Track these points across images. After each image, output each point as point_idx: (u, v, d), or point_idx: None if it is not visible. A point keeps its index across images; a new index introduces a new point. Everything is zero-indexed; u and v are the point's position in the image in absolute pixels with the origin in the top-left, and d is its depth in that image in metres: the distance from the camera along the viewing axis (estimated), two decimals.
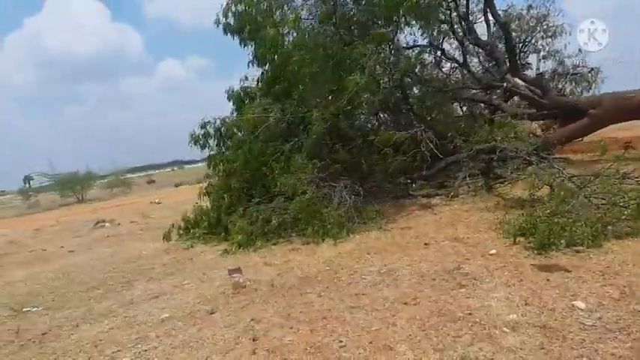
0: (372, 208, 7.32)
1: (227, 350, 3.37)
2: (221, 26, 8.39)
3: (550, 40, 11.77)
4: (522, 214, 5.36)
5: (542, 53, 12.36)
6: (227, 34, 8.41)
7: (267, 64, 8.31)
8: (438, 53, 9.28)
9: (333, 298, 4.09)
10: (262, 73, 8.50)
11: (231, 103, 10.49)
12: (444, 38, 9.49)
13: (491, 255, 4.55)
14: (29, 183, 55.61)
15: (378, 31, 7.06)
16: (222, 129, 7.95)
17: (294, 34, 8.05)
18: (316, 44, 7.43)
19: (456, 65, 10.08)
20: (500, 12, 10.03)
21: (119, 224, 12.17)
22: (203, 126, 8.17)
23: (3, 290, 6.58)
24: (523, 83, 10.76)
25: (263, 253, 6.38)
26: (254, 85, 9.22)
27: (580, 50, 11.49)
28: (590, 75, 11.99)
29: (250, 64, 8.50)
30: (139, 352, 3.58)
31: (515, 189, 7.43)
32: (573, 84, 12.29)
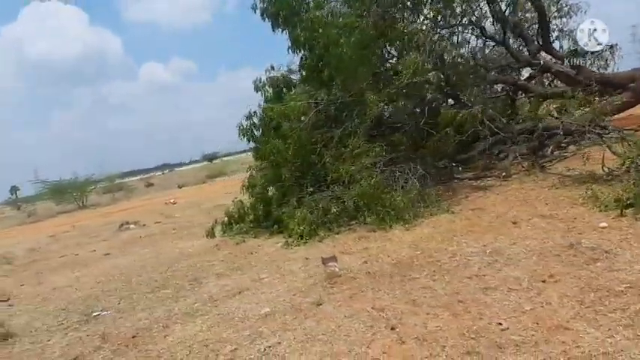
0: (430, 191, 7.03)
1: (368, 341, 3.08)
2: (258, 11, 8.02)
3: (564, 19, 11.50)
4: (611, 186, 5.17)
5: (555, 33, 12.12)
6: (265, 19, 8.07)
7: (308, 49, 7.95)
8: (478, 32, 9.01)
9: (451, 281, 3.82)
10: (302, 58, 8.15)
11: (259, 95, 10.22)
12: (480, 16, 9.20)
13: (603, 228, 4.31)
14: (16, 193, 54.36)
15: (436, 6, 6.77)
16: (268, 119, 7.57)
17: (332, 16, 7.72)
18: (360, 25, 7.10)
19: (493, 44, 9.83)
20: None
21: (144, 225, 11.74)
22: (249, 117, 7.81)
23: (55, 296, 6.21)
24: (554, 60, 10.57)
25: (330, 242, 6.09)
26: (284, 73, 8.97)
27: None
28: (608, 53, 11.81)
29: (289, 51, 8.15)
30: (264, 349, 3.28)
31: (572, 164, 7.27)
32: (589, 62, 12.10)
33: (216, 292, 4.91)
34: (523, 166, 7.96)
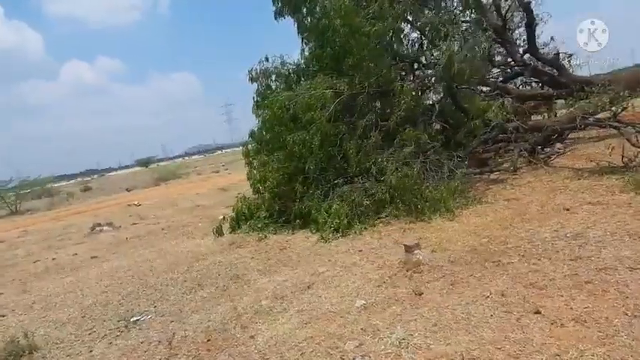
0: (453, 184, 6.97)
1: (518, 326, 2.86)
2: None
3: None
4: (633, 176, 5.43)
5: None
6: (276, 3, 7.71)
7: (324, 38, 7.65)
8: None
9: (558, 264, 3.71)
10: (320, 46, 7.81)
11: (255, 85, 9.77)
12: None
13: None
14: None
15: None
16: (282, 109, 7.12)
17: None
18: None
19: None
20: None
21: (120, 227, 10.70)
22: (259, 107, 7.37)
23: (60, 304, 5.41)
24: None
25: (374, 235, 5.82)
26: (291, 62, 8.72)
27: (552, 38, 11.92)
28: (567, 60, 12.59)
29: (304, 41, 7.80)
30: (397, 342, 2.95)
31: (571, 160, 7.59)
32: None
33: (278, 288, 4.46)
34: (532, 160, 8.18)
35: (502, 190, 6.80)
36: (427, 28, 7.15)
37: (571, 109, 10.49)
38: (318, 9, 7.54)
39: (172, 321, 4.14)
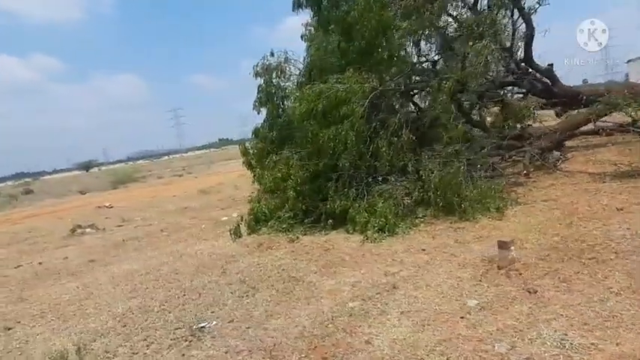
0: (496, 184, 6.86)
1: None
2: None
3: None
4: None
5: None
6: None
7: (347, 31, 7.39)
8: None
9: None
10: (347, 40, 7.52)
11: (260, 81, 9.40)
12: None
13: None
14: None
15: None
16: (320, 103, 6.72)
17: None
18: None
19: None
20: None
21: (104, 229, 9.73)
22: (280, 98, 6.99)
23: (79, 313, 4.68)
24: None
25: (421, 235, 5.57)
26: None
27: None
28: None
29: (328, 34, 7.50)
30: (557, 343, 2.71)
31: (579, 165, 7.83)
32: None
33: (356, 290, 4.09)
34: (544, 164, 8.33)
35: (532, 192, 6.80)
36: (463, 26, 7.06)
37: (565, 117, 10.93)
38: (344, 1, 7.25)
39: (249, 327, 3.64)
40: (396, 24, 6.79)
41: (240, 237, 6.92)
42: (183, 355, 3.34)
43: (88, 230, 9.28)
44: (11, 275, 6.71)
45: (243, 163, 11.34)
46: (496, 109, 10.36)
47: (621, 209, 5.24)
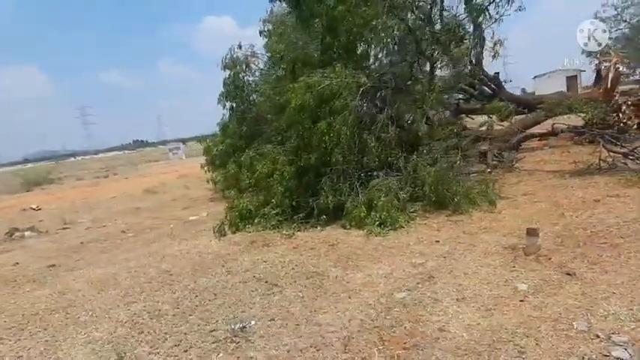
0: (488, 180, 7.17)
1: None
2: None
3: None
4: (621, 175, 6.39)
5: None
6: None
7: (332, 26, 7.36)
8: None
9: None
10: (332, 35, 7.45)
11: (227, 73, 9.08)
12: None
13: None
14: None
15: None
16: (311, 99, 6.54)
17: None
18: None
19: None
20: None
21: (46, 232, 8.61)
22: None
23: (80, 320, 4.05)
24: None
25: (425, 228, 5.67)
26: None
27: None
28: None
29: (310, 27, 7.39)
30: (632, 315, 2.87)
31: (531, 164, 8.55)
32: None
33: (392, 282, 4.03)
34: (503, 163, 8.94)
35: (505, 188, 7.21)
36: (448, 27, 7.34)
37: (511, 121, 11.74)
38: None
39: (297, 324, 3.40)
40: (382, 21, 6.84)
41: (224, 235, 6.50)
42: (238, 357, 3.02)
43: (27, 233, 8.14)
44: None
45: (206, 161, 10.81)
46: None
47: (598, 201, 5.75)
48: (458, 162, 6.58)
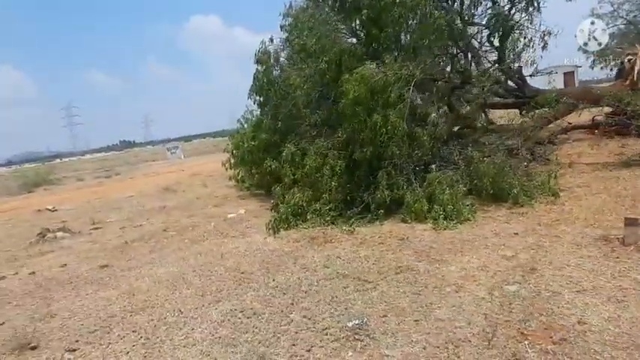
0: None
1: None
2: None
3: None
4: None
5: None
6: None
7: (380, 17, 7.22)
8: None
9: None
10: (377, 26, 7.31)
11: (259, 66, 8.90)
12: None
13: None
14: None
15: None
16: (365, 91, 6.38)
17: None
18: None
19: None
20: None
21: (79, 232, 8.34)
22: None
23: (181, 318, 3.87)
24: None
25: (492, 221, 5.57)
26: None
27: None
28: None
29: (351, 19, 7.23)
30: None
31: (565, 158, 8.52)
32: None
33: (491, 275, 3.92)
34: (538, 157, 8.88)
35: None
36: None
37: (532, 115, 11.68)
38: None
39: (416, 320, 3.27)
40: (435, 14, 6.72)
41: (277, 232, 6.34)
42: (371, 356, 2.88)
43: (60, 234, 7.86)
44: (4, 288, 5.41)
45: (232, 158, 10.60)
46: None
47: None
48: (507, 155, 6.45)
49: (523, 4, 7.42)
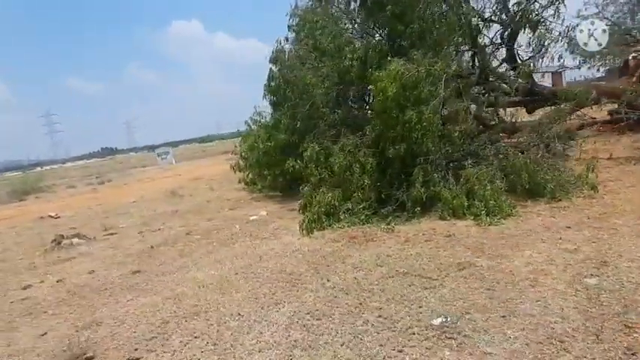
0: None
1: None
2: None
3: None
4: None
5: None
6: None
7: (405, 14, 7.15)
8: None
9: None
10: (403, 23, 7.23)
11: (273, 66, 8.79)
12: None
13: None
14: None
15: None
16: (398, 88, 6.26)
17: None
18: None
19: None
20: None
21: (94, 238, 8.02)
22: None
23: (245, 323, 3.68)
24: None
25: (537, 216, 5.51)
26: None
27: None
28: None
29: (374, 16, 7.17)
30: None
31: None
32: None
33: (561, 268, 3.83)
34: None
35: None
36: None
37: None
38: None
39: (503, 316, 3.15)
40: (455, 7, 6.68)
41: (311, 233, 6.18)
42: (471, 354, 2.75)
43: (76, 240, 7.54)
44: (35, 297, 5.13)
45: (242, 160, 10.47)
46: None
47: None
48: (541, 151, 6.42)
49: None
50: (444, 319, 3.18)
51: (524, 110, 11.43)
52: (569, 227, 4.82)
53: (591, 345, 2.64)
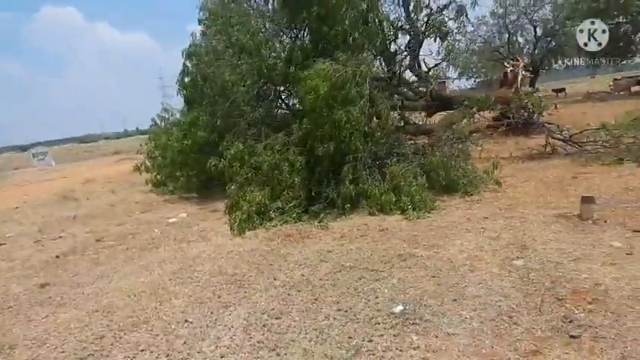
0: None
1: None
2: None
3: None
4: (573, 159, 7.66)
5: None
6: None
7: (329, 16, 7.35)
8: None
9: None
10: (327, 25, 7.38)
11: (188, 61, 8.51)
12: None
13: None
14: None
15: None
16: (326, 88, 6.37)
17: None
18: None
19: None
20: None
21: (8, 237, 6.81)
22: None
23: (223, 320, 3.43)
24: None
25: (456, 208, 6.06)
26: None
27: None
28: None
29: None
30: None
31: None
32: None
33: (490, 254, 4.27)
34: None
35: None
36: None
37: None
38: None
39: (455, 299, 3.41)
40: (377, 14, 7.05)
41: (244, 233, 6.01)
42: (437, 336, 2.93)
43: None
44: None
45: (149, 160, 9.87)
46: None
47: (575, 177, 6.81)
48: (456, 150, 7.07)
49: (453, 13, 8.18)
50: (403, 307, 3.32)
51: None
52: (487, 218, 5.36)
53: (535, 317, 2.98)
